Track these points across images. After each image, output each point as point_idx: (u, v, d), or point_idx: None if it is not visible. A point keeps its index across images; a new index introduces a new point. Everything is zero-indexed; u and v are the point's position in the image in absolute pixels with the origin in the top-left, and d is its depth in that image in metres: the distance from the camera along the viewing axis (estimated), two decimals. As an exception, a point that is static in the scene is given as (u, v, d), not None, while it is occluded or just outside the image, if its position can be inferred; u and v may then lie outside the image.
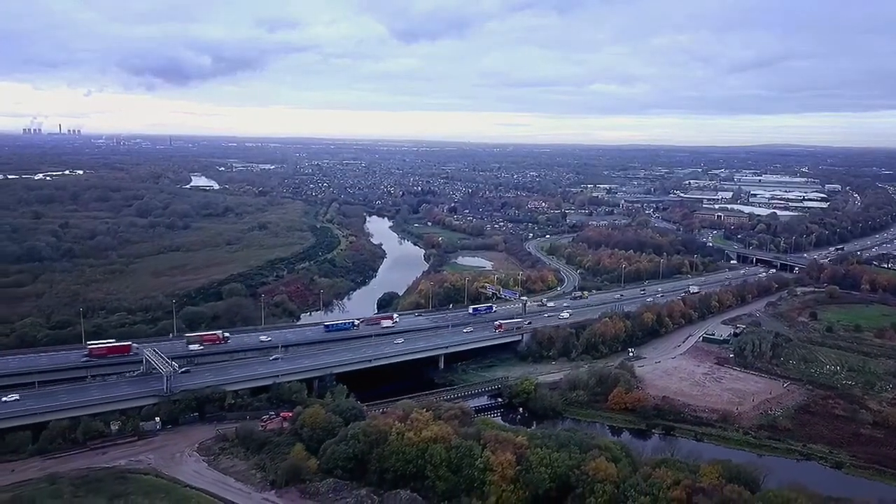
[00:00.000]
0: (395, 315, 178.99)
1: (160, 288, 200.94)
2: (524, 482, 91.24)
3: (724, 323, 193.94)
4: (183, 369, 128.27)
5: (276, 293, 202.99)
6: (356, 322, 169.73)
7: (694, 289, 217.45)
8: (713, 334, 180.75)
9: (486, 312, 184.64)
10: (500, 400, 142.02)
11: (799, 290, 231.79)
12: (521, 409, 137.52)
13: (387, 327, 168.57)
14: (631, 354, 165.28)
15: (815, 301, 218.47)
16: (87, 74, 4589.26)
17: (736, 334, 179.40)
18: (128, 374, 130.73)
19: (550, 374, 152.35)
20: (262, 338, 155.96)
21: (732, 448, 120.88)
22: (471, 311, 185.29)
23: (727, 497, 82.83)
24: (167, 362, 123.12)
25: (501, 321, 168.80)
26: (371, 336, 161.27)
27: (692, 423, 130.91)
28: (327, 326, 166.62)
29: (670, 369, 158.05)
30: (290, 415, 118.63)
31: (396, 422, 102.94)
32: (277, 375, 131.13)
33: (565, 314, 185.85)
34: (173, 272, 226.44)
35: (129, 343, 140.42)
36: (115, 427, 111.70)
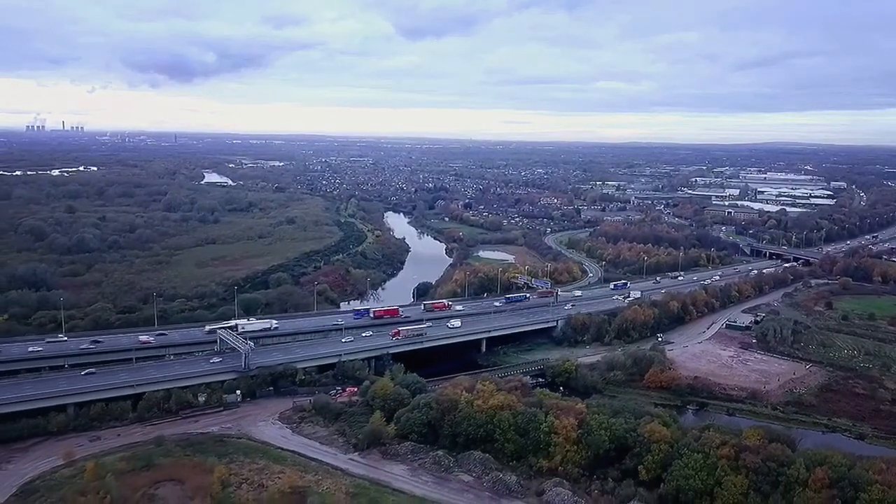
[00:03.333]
0: (558, 290, 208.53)
1: (206, 278, 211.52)
2: (586, 443, 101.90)
3: (744, 312, 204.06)
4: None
5: (317, 282, 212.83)
6: (528, 295, 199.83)
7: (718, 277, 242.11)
8: (735, 321, 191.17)
9: (623, 287, 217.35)
10: (541, 380, 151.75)
11: (813, 282, 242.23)
12: (561, 388, 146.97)
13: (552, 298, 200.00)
14: (660, 339, 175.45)
15: (829, 292, 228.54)
16: (91, 71, 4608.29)
17: (757, 321, 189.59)
18: (198, 354, 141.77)
19: (587, 356, 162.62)
20: (496, 303, 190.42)
21: (762, 421, 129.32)
22: (612, 286, 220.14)
23: (771, 454, 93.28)
24: (244, 341, 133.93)
25: (400, 328, 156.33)
26: (543, 306, 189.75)
27: (723, 399, 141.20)
28: (507, 298, 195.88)
29: (698, 353, 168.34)
30: (356, 390, 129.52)
31: (464, 392, 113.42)
32: (341, 354, 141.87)
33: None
34: (215, 263, 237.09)
35: (398, 307, 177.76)
36: (202, 399, 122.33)
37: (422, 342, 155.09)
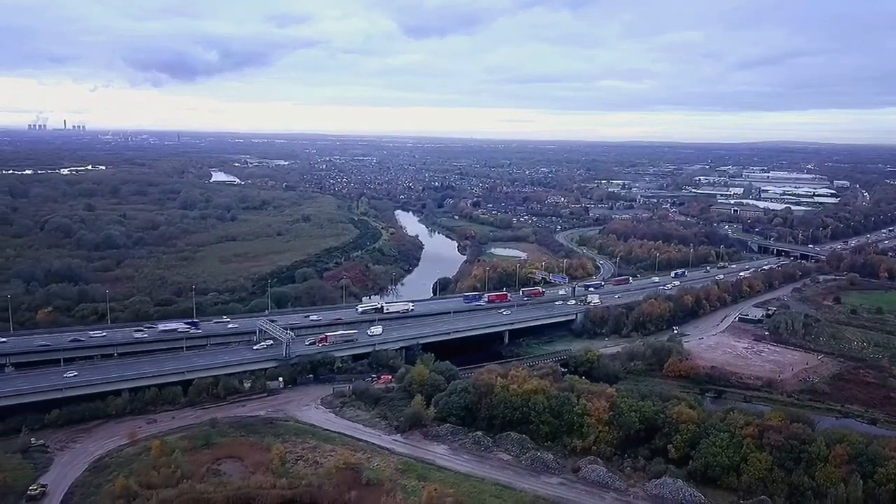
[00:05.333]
0: (630, 278, 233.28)
1: (232, 273, 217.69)
2: (617, 424, 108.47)
3: (755, 306, 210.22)
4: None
5: (339, 277, 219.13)
6: (603, 283, 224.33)
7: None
8: (748, 315, 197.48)
9: (682, 276, 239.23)
10: (563, 369, 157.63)
11: (821, 277, 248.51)
12: (583, 377, 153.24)
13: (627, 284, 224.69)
14: (676, 332, 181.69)
15: (837, 287, 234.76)
16: (93, 70, 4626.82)
17: (769, 315, 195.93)
18: (236, 344, 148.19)
19: (606, 347, 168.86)
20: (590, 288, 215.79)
21: (778, 408, 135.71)
22: (673, 274, 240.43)
23: (793, 432, 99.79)
24: (285, 331, 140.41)
25: (327, 334, 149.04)
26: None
27: (740, 387, 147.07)
28: (586, 286, 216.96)
29: (713, 345, 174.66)
30: (391, 377, 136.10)
31: (498, 377, 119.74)
32: (375, 345, 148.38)
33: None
34: (238, 259, 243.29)
35: (506, 293, 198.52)
36: (247, 385, 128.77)
37: (353, 347, 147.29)
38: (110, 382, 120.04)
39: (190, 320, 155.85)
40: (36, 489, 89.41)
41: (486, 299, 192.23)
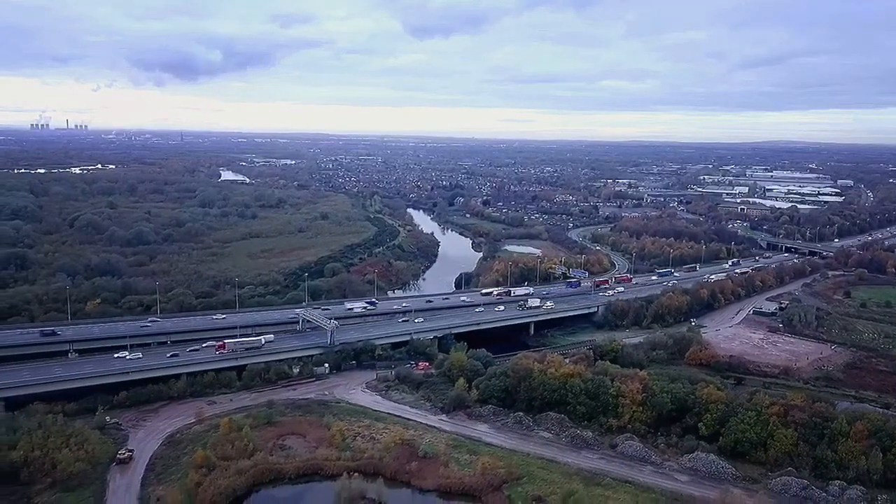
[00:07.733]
0: (693, 268, 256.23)
1: (262, 267, 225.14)
2: (650, 405, 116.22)
3: (768, 300, 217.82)
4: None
5: (365, 272, 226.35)
6: (673, 271, 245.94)
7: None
8: (762, 308, 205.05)
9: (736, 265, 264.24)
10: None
11: (830, 273, 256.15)
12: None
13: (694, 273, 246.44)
14: (693, 324, 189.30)
15: (846, 282, 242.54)
16: (96, 70, 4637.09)
17: (782, 308, 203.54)
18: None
19: (628, 338, 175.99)
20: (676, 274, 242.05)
21: (796, 394, 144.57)
22: (730, 263, 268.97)
23: (817, 410, 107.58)
24: (329, 320, 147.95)
25: (226, 342, 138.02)
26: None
27: (758, 375, 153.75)
28: (660, 273, 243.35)
29: (730, 336, 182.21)
30: (427, 364, 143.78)
31: (535, 363, 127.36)
32: (411, 334, 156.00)
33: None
34: (265, 255, 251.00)
35: (607, 279, 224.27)
36: (296, 370, 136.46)
37: (256, 355, 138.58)
38: (171, 367, 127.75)
39: (370, 300, 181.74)
40: (125, 453, 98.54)
41: (593, 284, 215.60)
